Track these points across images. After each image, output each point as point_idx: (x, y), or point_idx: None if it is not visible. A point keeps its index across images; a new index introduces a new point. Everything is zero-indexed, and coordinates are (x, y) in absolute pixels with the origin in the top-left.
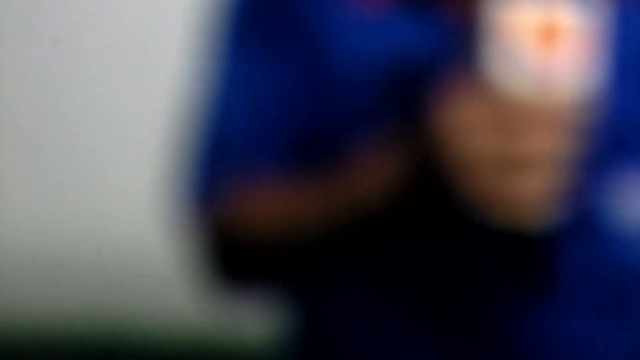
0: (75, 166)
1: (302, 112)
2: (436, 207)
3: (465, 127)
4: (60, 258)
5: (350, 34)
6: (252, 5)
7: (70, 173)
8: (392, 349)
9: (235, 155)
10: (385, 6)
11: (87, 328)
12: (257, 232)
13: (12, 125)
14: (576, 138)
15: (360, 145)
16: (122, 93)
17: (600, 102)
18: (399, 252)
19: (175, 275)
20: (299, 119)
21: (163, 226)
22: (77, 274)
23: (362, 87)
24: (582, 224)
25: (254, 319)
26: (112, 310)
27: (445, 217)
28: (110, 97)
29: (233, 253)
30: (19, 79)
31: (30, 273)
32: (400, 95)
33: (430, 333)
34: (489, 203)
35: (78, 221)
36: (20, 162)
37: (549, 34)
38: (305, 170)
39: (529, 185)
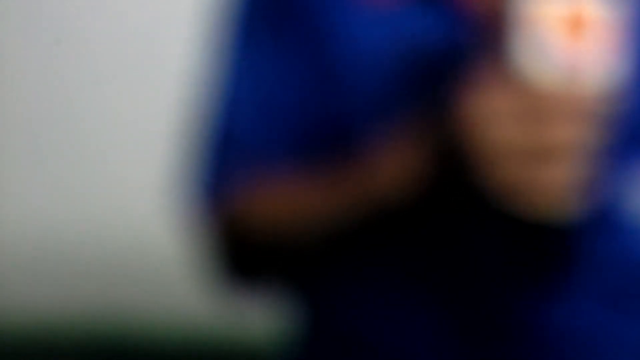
0: (79, 164)
1: (312, 106)
2: (442, 206)
3: (491, 117)
4: (65, 255)
5: (361, 27)
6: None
7: (74, 171)
8: (397, 345)
9: (244, 150)
10: None
11: (92, 325)
12: (265, 228)
13: (14, 125)
14: (599, 129)
15: (373, 139)
16: (124, 91)
17: (623, 93)
18: (403, 250)
19: (182, 271)
20: (308, 113)
21: (169, 222)
22: (81, 270)
23: (374, 79)
24: (599, 216)
25: (260, 316)
26: (118, 307)
27: (447, 218)
28: (113, 95)
29: (241, 249)
30: (20, 79)
31: (34, 270)
32: (415, 87)
33: (436, 329)
34: (513, 193)
35: (82, 218)
36: (23, 161)
37: (575, 25)
38: (316, 165)
39: (555, 175)
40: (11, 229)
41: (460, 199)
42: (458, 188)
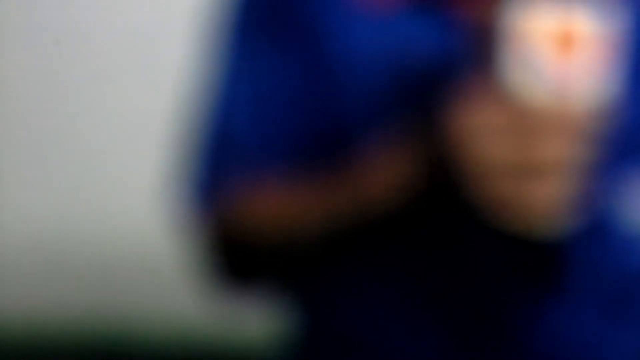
0: (77, 165)
1: (308, 110)
2: (441, 208)
3: (480, 132)
4: (61, 257)
5: (357, 32)
6: (258, 2)
7: (71, 172)
8: (397, 345)
9: (240, 153)
10: (394, 5)
11: (88, 327)
12: (261, 231)
13: (13, 125)
14: (590, 145)
15: (368, 144)
16: (123, 92)
17: (615, 108)
18: (401, 251)
19: (178, 273)
20: (304, 116)
21: (166, 224)
22: (78, 272)
23: (369, 85)
24: (593, 226)
25: (257, 317)
26: (113, 309)
27: (447, 218)
28: (112, 96)
29: (236, 251)
30: (19, 80)
31: (32, 271)
32: (409, 95)
33: (435, 330)
34: (503, 208)
35: (79, 220)
36: (21, 162)
37: (566, 41)
38: (311, 169)
39: (544, 191)
40: (10, 230)
41: (457, 201)
42: (453, 192)
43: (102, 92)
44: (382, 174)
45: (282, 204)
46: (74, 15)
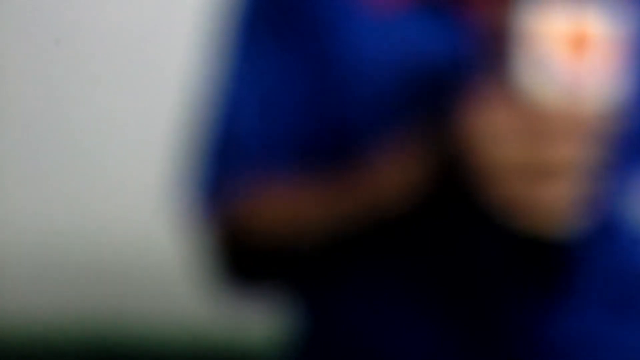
0: (78, 166)
1: (314, 111)
2: (448, 210)
3: (492, 134)
4: (65, 259)
5: (365, 33)
6: (264, 2)
7: (73, 173)
8: (398, 345)
9: (246, 154)
10: (402, 6)
11: (92, 328)
12: (266, 232)
13: (14, 125)
14: (601, 146)
15: (376, 147)
16: (125, 92)
17: (626, 110)
18: (404, 256)
19: (182, 275)
20: (310, 117)
21: (169, 225)
22: (81, 274)
23: (376, 87)
24: (601, 227)
25: (260, 318)
26: (117, 310)
27: (451, 220)
28: (113, 96)
29: (241, 252)
30: (19, 79)
31: (34, 274)
32: (418, 97)
33: (437, 335)
34: (514, 209)
35: (81, 221)
36: (21, 162)
37: (578, 43)
38: (317, 169)
39: (555, 192)
40: (11, 232)
41: (462, 206)
42: (460, 197)
43: (103, 92)
44: (390, 176)
45: (287, 204)
46: (74, 15)
